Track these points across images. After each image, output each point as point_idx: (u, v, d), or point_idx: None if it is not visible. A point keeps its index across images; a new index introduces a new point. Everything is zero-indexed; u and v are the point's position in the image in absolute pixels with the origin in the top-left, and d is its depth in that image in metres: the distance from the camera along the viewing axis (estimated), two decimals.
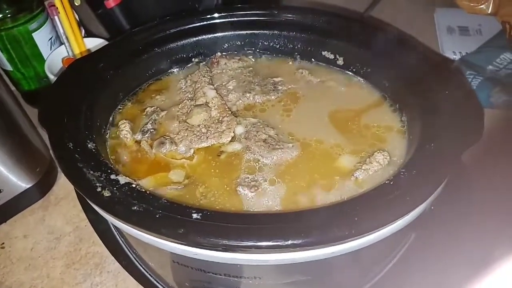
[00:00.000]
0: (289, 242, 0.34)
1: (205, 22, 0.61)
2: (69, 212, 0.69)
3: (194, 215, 0.37)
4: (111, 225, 0.55)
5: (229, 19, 0.61)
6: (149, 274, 0.54)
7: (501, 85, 0.75)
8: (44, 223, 0.68)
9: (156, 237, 0.38)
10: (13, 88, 0.85)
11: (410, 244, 0.50)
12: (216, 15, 0.61)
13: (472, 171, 0.51)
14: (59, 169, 0.76)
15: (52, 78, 0.73)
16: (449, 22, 0.99)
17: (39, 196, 0.71)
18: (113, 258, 0.58)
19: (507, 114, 0.72)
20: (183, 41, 0.60)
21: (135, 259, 0.55)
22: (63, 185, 0.74)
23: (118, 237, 0.55)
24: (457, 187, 0.45)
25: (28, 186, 0.69)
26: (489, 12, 0.83)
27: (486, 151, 0.52)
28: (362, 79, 0.58)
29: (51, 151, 0.44)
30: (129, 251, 0.55)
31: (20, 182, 0.68)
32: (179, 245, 0.38)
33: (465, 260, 0.51)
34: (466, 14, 0.97)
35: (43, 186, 0.72)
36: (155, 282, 0.55)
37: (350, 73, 0.59)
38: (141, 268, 0.55)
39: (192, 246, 0.37)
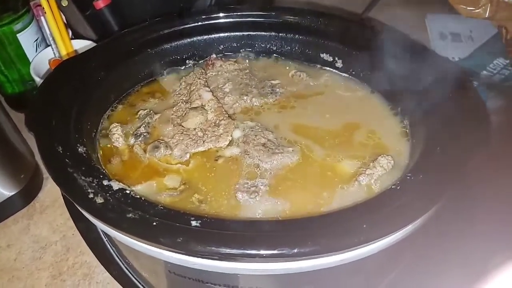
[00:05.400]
0: (296, 250, 0.33)
1: (200, 23, 0.60)
2: (56, 221, 0.66)
3: (193, 223, 0.35)
4: (102, 234, 0.53)
5: (225, 20, 0.60)
6: (142, 285, 0.52)
7: (496, 90, 0.75)
8: (29, 232, 0.65)
9: (152, 246, 0.36)
10: None
11: (415, 250, 0.49)
12: (211, 16, 0.59)
13: (472, 176, 0.50)
14: (44, 176, 0.73)
15: (38, 80, 0.70)
16: (441, 28, 0.99)
17: (23, 204, 0.68)
18: (102, 268, 0.55)
19: (503, 119, 0.71)
20: (177, 42, 0.59)
21: (126, 269, 0.53)
22: (49, 192, 0.71)
23: (109, 246, 0.53)
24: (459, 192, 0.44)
25: (12, 193, 0.66)
26: (486, 16, 0.83)
27: (484, 156, 0.52)
28: (361, 82, 0.57)
29: (39, 156, 0.41)
30: (121, 261, 0.53)
31: (3, 190, 0.65)
32: (177, 254, 0.36)
33: (467, 265, 0.50)
34: (457, 20, 0.97)
35: (27, 194, 0.68)
36: None
37: (350, 76, 0.58)
38: (133, 278, 0.52)
39: (191, 255, 0.35)
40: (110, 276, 0.54)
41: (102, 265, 0.54)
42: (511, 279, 0.43)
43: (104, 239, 0.53)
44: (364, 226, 0.34)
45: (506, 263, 0.45)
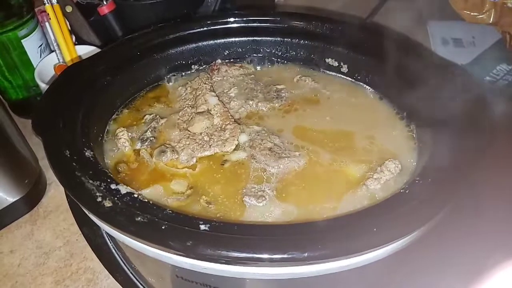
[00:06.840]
0: (306, 254, 0.32)
1: (205, 28, 0.59)
2: (59, 226, 0.66)
3: (202, 226, 0.35)
4: (107, 239, 0.52)
5: (231, 26, 0.60)
6: None
7: (499, 96, 0.75)
8: (32, 238, 0.64)
9: (161, 250, 0.36)
10: None
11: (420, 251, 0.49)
12: (217, 21, 0.59)
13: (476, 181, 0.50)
14: (48, 181, 0.72)
15: (43, 86, 0.70)
16: (443, 34, 0.99)
17: (27, 209, 0.68)
18: (106, 273, 0.55)
19: (506, 125, 0.71)
20: (183, 47, 0.59)
21: (132, 274, 0.52)
22: (52, 198, 0.70)
23: (114, 251, 0.52)
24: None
25: (16, 198, 0.65)
26: (490, 21, 0.83)
27: (488, 161, 0.52)
28: (367, 87, 0.57)
29: (47, 160, 0.41)
30: (126, 266, 0.52)
31: (7, 195, 0.64)
32: (186, 258, 0.36)
33: (467, 264, 0.50)
34: (459, 26, 0.98)
35: (31, 199, 0.68)
36: None
37: (355, 80, 0.58)
38: (138, 284, 0.52)
39: (201, 260, 0.35)
40: (114, 281, 0.53)
41: (107, 270, 0.53)
42: (510, 278, 0.43)
43: (110, 244, 0.53)
44: (374, 229, 0.34)
45: (505, 262, 0.45)
